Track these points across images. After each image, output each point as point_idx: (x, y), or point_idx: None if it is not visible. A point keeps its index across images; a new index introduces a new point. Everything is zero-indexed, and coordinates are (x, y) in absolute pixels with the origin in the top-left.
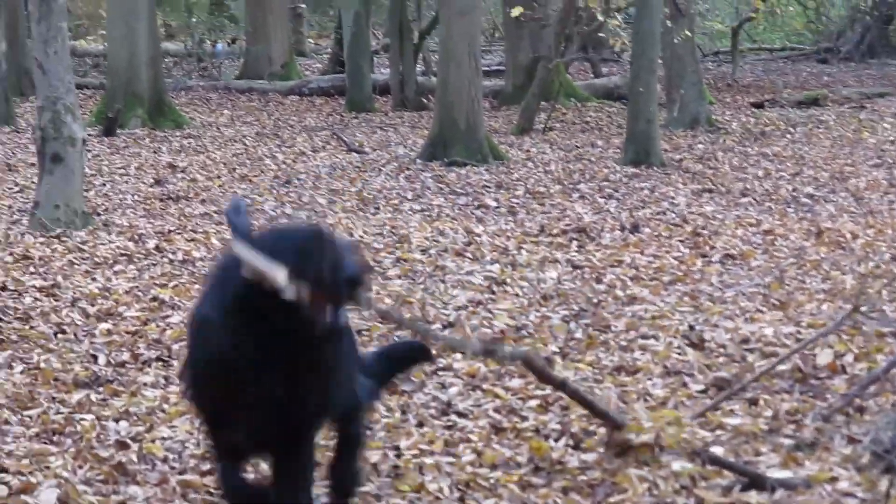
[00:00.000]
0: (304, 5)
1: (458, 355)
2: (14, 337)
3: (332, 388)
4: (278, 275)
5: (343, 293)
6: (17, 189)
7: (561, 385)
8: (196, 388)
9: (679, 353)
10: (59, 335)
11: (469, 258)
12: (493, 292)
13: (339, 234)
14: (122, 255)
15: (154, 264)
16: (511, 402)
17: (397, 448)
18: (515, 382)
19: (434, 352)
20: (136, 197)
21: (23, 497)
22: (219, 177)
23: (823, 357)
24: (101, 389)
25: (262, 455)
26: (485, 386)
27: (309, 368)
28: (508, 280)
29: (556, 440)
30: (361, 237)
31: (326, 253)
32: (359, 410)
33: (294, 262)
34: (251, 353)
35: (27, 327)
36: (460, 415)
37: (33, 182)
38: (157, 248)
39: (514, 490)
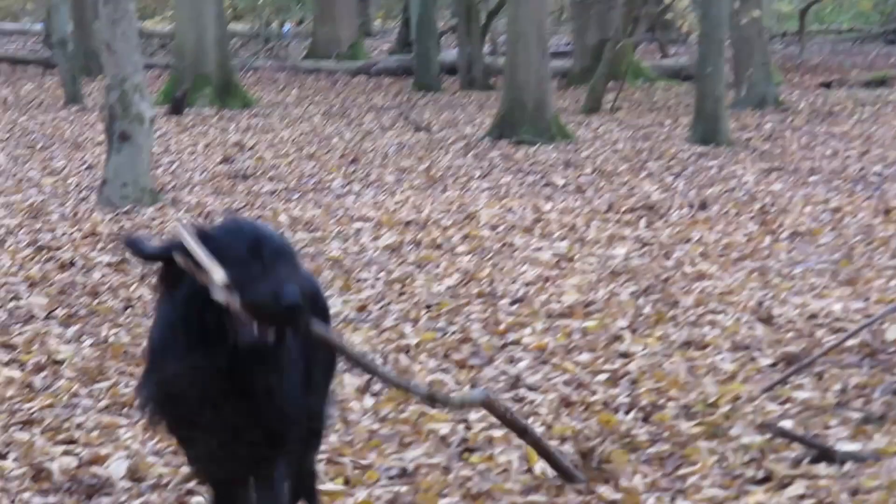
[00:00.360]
0: None
1: (528, 329)
2: (83, 312)
3: (289, 407)
4: (215, 274)
5: (273, 317)
6: (84, 167)
7: (522, 431)
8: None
9: (748, 329)
10: (128, 310)
11: (537, 235)
12: (562, 268)
13: (292, 246)
14: None
15: None
16: (580, 376)
17: (466, 421)
18: (584, 357)
19: None
20: (203, 175)
21: (93, 468)
22: (287, 155)
23: (892, 332)
24: None
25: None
26: (554, 360)
27: (255, 387)
28: (577, 256)
29: (626, 413)
30: (430, 214)
31: (269, 268)
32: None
33: (233, 267)
34: (198, 365)
35: (96, 302)
36: (530, 388)
37: (101, 160)
38: None
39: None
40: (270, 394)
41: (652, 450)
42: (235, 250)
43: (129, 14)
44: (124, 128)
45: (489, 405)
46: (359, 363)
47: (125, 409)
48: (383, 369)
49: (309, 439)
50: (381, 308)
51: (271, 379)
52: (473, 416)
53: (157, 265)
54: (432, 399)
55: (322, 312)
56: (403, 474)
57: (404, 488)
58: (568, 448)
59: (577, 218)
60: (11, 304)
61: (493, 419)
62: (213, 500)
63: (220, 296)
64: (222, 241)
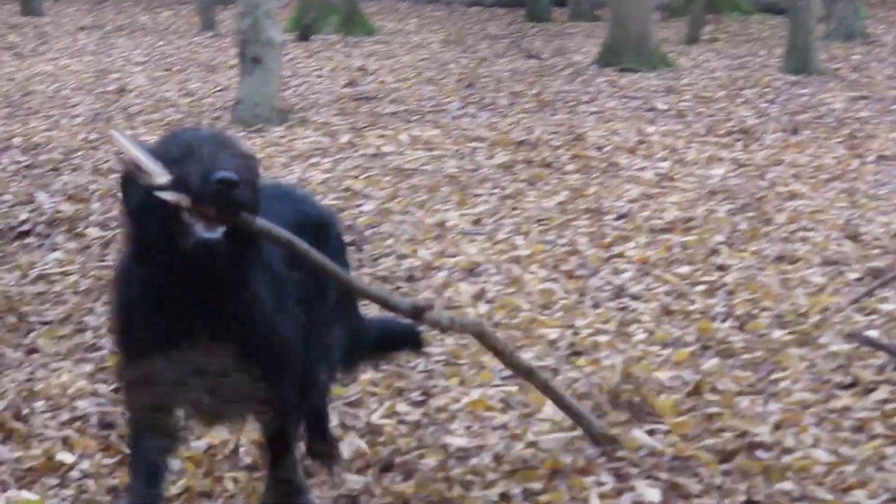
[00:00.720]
0: None
1: (631, 243)
2: None
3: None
4: (156, 173)
5: (207, 198)
6: (219, 88)
7: (528, 372)
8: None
9: (837, 245)
10: None
11: (641, 156)
12: (663, 187)
13: (238, 141)
14: (316, 149)
15: (347, 158)
16: (680, 287)
17: (573, 326)
18: (684, 269)
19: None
20: (329, 97)
21: None
22: (407, 79)
23: None
24: None
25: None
26: (656, 272)
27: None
28: (677, 176)
29: (723, 321)
30: (540, 136)
31: (205, 159)
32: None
33: (172, 167)
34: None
35: None
36: (633, 297)
37: (234, 82)
38: (349, 143)
39: (682, 366)
40: (243, 310)
41: (746, 356)
42: (174, 153)
43: None
44: (256, 52)
45: (482, 336)
46: (327, 271)
47: None
48: (360, 281)
49: (307, 375)
50: (494, 222)
51: (241, 295)
52: (580, 322)
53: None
54: (418, 313)
55: (334, 240)
56: (515, 375)
57: (515, 388)
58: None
59: (677, 140)
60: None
61: (601, 324)
62: (135, 446)
63: (166, 195)
64: (161, 148)
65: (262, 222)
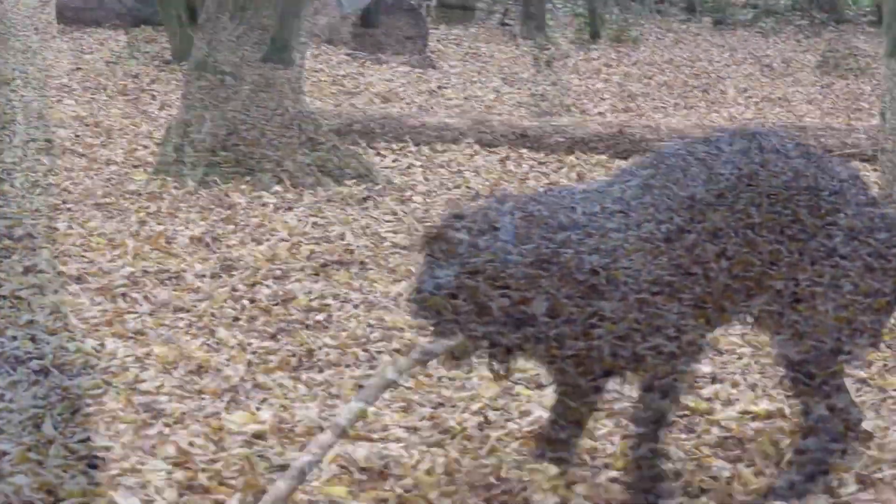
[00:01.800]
0: None
1: None
2: (511, 190)
3: None
4: None
5: None
6: (516, 88)
7: None
8: None
9: None
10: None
11: None
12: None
13: None
14: (595, 135)
15: (618, 143)
16: None
17: None
18: None
19: None
20: (606, 94)
21: None
22: (666, 80)
23: None
24: None
25: None
26: None
27: None
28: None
29: None
30: None
31: None
32: None
33: None
34: None
35: (523, 185)
36: None
37: (529, 81)
38: (619, 131)
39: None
40: None
41: None
42: None
43: None
44: (547, 57)
45: None
46: None
47: None
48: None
49: None
50: None
51: None
52: None
53: None
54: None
55: None
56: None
57: (748, 330)
58: None
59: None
60: (459, 192)
61: None
62: None
63: None
64: None
65: None
